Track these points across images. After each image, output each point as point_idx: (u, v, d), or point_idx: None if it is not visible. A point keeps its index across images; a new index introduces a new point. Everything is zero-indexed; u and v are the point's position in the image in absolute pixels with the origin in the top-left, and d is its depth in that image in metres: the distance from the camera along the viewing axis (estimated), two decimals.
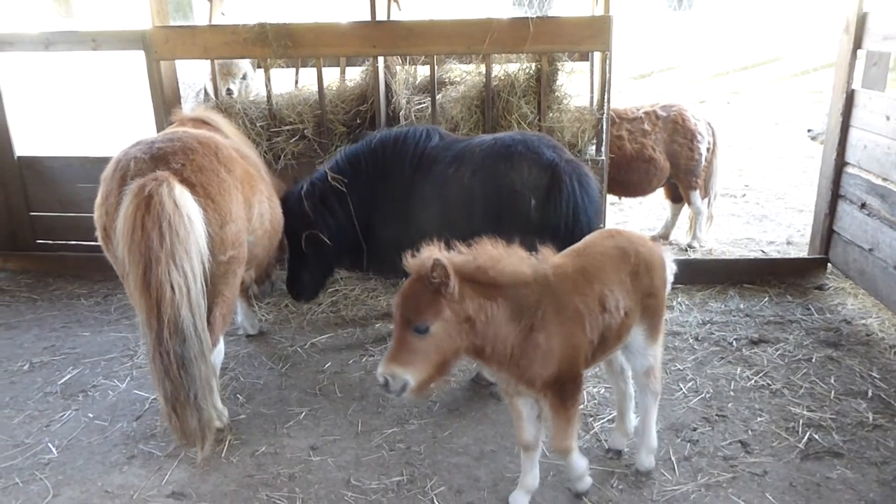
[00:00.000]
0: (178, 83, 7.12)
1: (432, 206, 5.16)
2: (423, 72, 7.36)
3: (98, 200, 4.25)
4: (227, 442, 4.49)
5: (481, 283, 3.28)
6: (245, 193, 4.48)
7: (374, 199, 5.53)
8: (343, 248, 5.65)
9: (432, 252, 3.25)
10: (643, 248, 3.81)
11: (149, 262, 3.81)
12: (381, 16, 6.80)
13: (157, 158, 4.11)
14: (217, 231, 4.16)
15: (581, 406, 4.52)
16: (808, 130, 8.76)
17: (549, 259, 3.58)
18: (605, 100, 6.57)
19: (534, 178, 4.84)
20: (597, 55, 6.91)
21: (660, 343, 3.98)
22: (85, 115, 14.17)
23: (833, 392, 4.92)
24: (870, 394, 4.90)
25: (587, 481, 3.90)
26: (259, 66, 7.31)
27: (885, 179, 5.90)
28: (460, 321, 3.24)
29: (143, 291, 3.85)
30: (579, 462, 3.80)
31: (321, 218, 5.50)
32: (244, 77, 7.30)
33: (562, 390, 3.48)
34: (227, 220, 4.22)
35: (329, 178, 5.50)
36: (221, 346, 4.57)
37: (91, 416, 4.85)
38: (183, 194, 3.94)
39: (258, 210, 4.70)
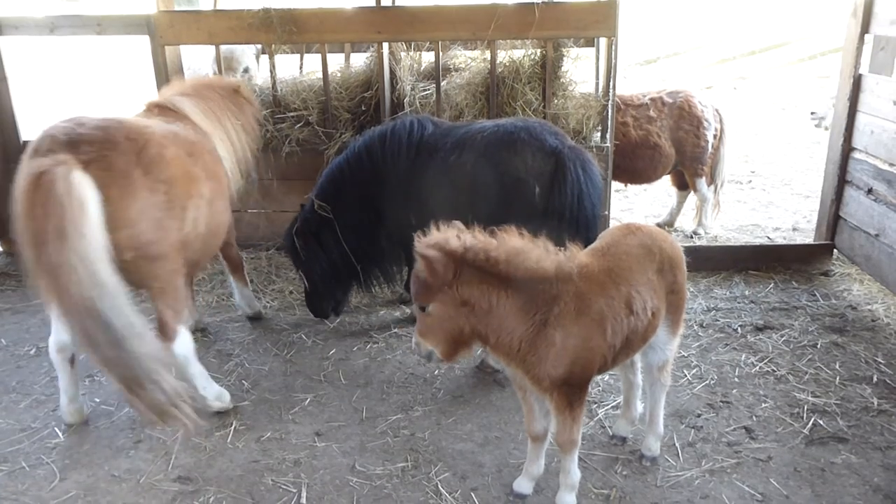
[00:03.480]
0: (182, 68, 7.10)
1: (436, 195, 5.14)
2: (427, 58, 7.33)
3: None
4: (232, 427, 4.51)
5: (490, 272, 3.23)
6: (170, 196, 4.26)
7: (370, 204, 5.51)
8: (344, 276, 5.71)
9: (441, 235, 3.23)
10: (665, 243, 3.76)
11: (40, 243, 3.67)
12: (385, 1, 6.77)
13: (70, 143, 3.95)
14: (111, 233, 3.92)
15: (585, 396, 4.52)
16: (812, 114, 8.73)
17: (577, 257, 3.51)
18: (611, 86, 6.55)
19: (538, 166, 4.82)
20: (602, 41, 6.87)
21: (678, 338, 3.96)
22: (90, 99, 14.17)
23: (838, 378, 4.92)
24: (875, 379, 4.90)
25: (572, 499, 3.76)
26: (264, 52, 7.29)
27: (892, 165, 5.88)
28: (457, 304, 3.24)
29: (39, 273, 3.73)
30: (576, 470, 3.71)
31: (313, 257, 5.59)
32: (245, 70, 7.26)
33: (569, 391, 3.43)
34: (120, 225, 3.99)
35: (316, 206, 5.53)
36: (185, 336, 4.44)
37: (98, 400, 4.87)
38: (79, 179, 3.75)
39: (193, 214, 4.48)
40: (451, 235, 3.25)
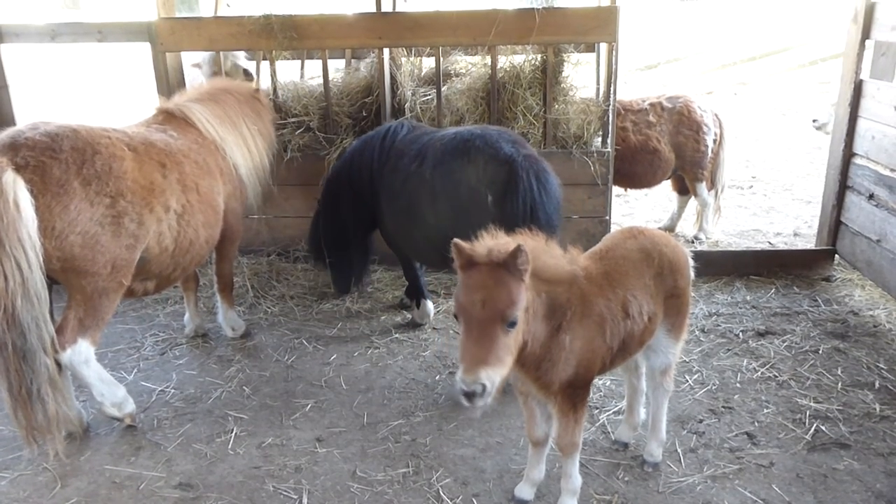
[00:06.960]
0: (183, 75, 7.11)
1: (399, 201, 5.23)
2: (428, 63, 7.34)
3: None
4: (233, 433, 4.50)
5: (532, 275, 3.10)
6: (117, 210, 4.18)
7: (347, 206, 5.72)
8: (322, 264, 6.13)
9: (498, 241, 3.05)
10: (667, 248, 3.74)
11: None
12: (386, 7, 6.78)
13: (11, 146, 3.93)
14: (40, 240, 3.89)
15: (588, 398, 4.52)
16: (814, 121, 8.74)
17: (578, 260, 3.50)
18: (611, 91, 6.55)
19: (490, 174, 4.75)
20: (603, 46, 6.87)
21: (681, 342, 3.95)
22: (92, 106, 14.18)
23: (840, 383, 4.91)
24: (877, 385, 4.89)
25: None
26: (264, 59, 7.30)
27: (893, 170, 5.87)
28: (524, 311, 3.02)
29: None
30: (577, 475, 3.70)
31: (315, 241, 6.04)
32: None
33: (573, 394, 3.41)
34: (48, 234, 3.92)
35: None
36: (83, 348, 4.25)
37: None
38: (11, 181, 3.73)
39: (156, 228, 4.44)
40: (507, 237, 3.09)
